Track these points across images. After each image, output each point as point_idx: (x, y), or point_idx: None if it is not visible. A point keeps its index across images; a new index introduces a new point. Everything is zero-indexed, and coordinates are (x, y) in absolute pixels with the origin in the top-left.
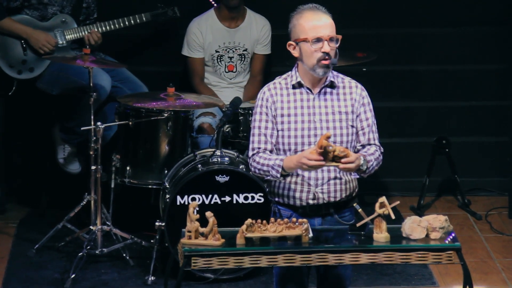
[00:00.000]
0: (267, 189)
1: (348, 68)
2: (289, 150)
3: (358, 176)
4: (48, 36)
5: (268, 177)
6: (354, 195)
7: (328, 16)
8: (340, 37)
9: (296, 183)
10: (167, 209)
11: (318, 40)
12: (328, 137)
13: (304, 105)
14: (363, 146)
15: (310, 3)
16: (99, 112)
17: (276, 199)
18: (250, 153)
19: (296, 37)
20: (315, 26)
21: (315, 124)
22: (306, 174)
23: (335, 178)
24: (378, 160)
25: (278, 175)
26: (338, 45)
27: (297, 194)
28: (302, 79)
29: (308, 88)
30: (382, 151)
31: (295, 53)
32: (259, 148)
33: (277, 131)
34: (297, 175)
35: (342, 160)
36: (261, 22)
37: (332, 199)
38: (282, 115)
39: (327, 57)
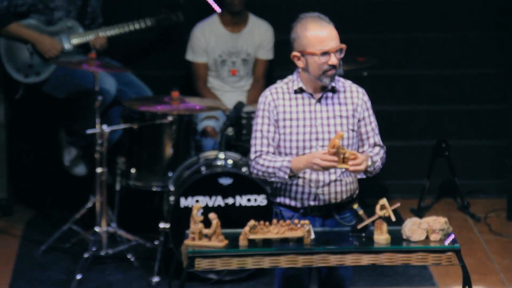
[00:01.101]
0: (269, 191)
1: (348, 73)
2: (291, 154)
3: (364, 176)
4: (54, 42)
5: (273, 179)
6: (355, 197)
7: (331, 25)
8: (344, 47)
9: (297, 184)
10: (171, 211)
11: (326, 53)
12: (341, 137)
13: (306, 110)
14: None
15: (312, 12)
16: (104, 116)
17: (278, 200)
18: (253, 156)
19: (301, 49)
20: (321, 39)
21: (316, 128)
22: (307, 175)
23: (336, 180)
24: (382, 159)
25: (286, 177)
26: (343, 55)
27: (299, 196)
28: (304, 84)
29: (309, 93)
30: (385, 150)
31: (300, 64)
32: (261, 151)
33: (279, 135)
34: (299, 177)
35: (350, 163)
36: (264, 27)
37: (333, 201)
38: (284, 119)
39: (333, 68)
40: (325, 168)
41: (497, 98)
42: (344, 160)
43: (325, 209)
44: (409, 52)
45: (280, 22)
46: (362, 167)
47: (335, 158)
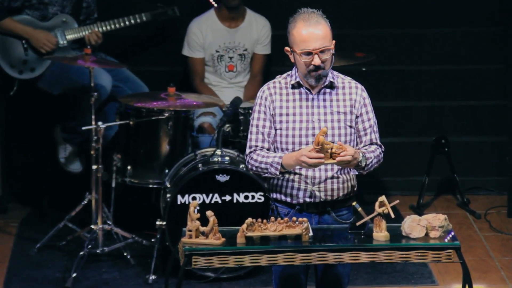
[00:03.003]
0: (266, 186)
1: (347, 68)
2: (287, 149)
3: (357, 173)
4: (49, 35)
5: (266, 175)
6: (352, 194)
7: (321, 25)
8: (332, 47)
9: (293, 181)
10: (167, 208)
11: (308, 53)
12: (325, 133)
13: (302, 105)
14: (365, 146)
15: (307, 8)
16: (100, 112)
17: (274, 196)
18: (248, 151)
19: (290, 45)
20: (304, 39)
21: (313, 124)
22: (303, 172)
23: (333, 177)
24: (378, 158)
25: (277, 173)
26: (331, 54)
27: (294, 192)
28: (301, 79)
29: (307, 89)
30: (383, 149)
31: (291, 59)
32: (256, 146)
33: (275, 130)
34: (295, 173)
35: (341, 154)
36: (261, 22)
37: (329, 198)
38: (280, 115)
39: (318, 69)
40: (313, 166)
41: (497, 94)
42: (331, 155)
43: (321, 206)
44: (408, 48)
45: (278, 17)
46: (350, 157)
47: (321, 155)
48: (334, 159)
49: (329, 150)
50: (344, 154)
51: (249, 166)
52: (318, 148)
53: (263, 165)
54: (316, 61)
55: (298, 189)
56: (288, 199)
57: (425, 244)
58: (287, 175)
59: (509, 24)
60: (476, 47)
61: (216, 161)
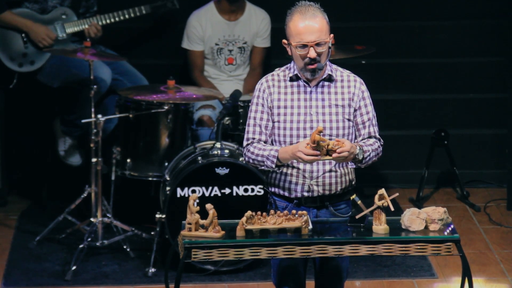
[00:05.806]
0: (264, 180)
1: (347, 61)
2: (285, 142)
3: (355, 166)
4: (47, 29)
5: (263, 167)
6: (351, 188)
7: (317, 18)
8: (328, 40)
9: (291, 175)
10: (167, 201)
11: (303, 46)
12: (320, 131)
13: (301, 98)
14: (363, 139)
15: (305, 0)
16: (99, 105)
17: (272, 190)
18: (245, 143)
19: (287, 38)
20: (300, 31)
21: (311, 117)
22: (301, 166)
23: (331, 171)
24: (377, 151)
25: (273, 166)
26: (327, 47)
27: (292, 186)
28: (299, 72)
29: (305, 81)
30: (382, 143)
31: (289, 52)
32: (253, 138)
33: (273, 122)
34: (293, 167)
35: (338, 150)
36: (261, 15)
37: (327, 192)
38: (278, 107)
39: (313, 62)
40: (309, 162)
41: (497, 87)
42: (328, 152)
43: (319, 200)
44: (408, 41)
45: (277, 10)
46: (347, 153)
47: (317, 152)
48: (330, 155)
49: (326, 147)
50: (340, 150)
51: (246, 159)
52: (314, 146)
53: (259, 158)
54: (312, 53)
55: (296, 183)
56: (286, 193)
57: (425, 237)
58: (284, 169)
59: (510, 17)
60: (476, 40)
61: (216, 154)
